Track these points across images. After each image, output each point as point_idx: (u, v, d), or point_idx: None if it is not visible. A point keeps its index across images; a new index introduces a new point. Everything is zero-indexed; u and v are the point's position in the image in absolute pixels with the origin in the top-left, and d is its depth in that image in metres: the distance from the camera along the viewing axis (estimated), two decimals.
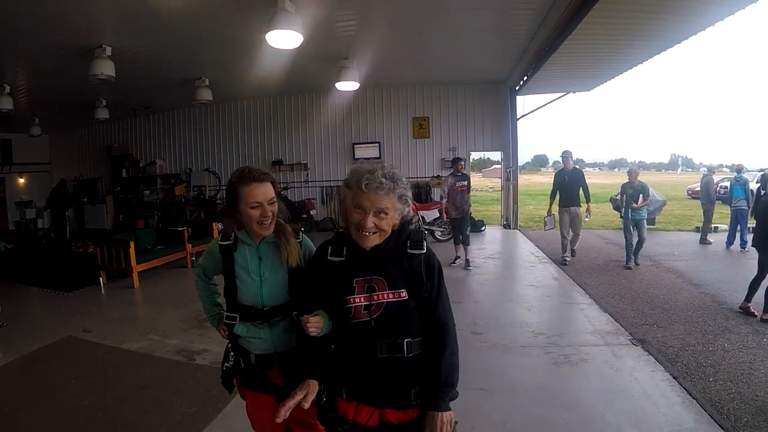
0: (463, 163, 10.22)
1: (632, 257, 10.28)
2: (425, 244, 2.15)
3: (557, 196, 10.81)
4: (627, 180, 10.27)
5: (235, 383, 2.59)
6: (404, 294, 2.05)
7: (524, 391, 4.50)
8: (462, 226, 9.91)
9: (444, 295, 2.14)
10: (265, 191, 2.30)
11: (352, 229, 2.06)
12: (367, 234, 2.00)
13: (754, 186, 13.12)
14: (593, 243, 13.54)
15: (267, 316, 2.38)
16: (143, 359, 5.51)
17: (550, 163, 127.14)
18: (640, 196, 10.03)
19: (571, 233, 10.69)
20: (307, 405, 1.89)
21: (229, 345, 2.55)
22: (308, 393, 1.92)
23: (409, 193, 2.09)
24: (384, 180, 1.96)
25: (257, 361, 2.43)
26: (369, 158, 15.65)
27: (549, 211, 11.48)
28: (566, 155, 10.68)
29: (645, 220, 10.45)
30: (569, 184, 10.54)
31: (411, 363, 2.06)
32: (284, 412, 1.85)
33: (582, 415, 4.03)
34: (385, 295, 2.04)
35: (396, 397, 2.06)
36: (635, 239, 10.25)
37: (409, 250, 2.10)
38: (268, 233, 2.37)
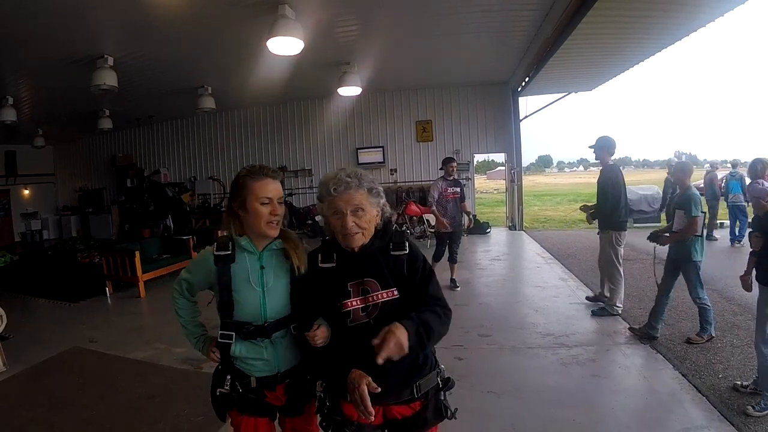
0: (455, 164, 8.50)
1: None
2: (407, 244, 2.20)
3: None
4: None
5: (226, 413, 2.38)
6: (396, 292, 2.10)
7: (533, 392, 4.48)
8: (452, 241, 8.48)
9: (434, 279, 2.19)
10: (276, 188, 2.23)
11: (338, 236, 2.12)
12: (351, 234, 2.06)
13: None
14: None
15: (268, 331, 2.22)
16: (150, 368, 5.52)
17: (554, 164, 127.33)
18: None
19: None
20: (378, 389, 1.90)
21: (219, 367, 2.35)
22: (366, 379, 1.92)
23: (379, 187, 2.18)
24: (348, 179, 2.06)
25: (258, 385, 2.27)
26: (373, 162, 15.96)
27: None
28: (596, 145, 6.85)
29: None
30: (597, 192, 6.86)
31: (413, 358, 2.08)
32: (371, 408, 1.89)
33: (592, 415, 4.00)
34: (380, 295, 2.09)
35: (400, 393, 2.11)
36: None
37: (392, 252, 2.16)
38: (275, 234, 2.25)
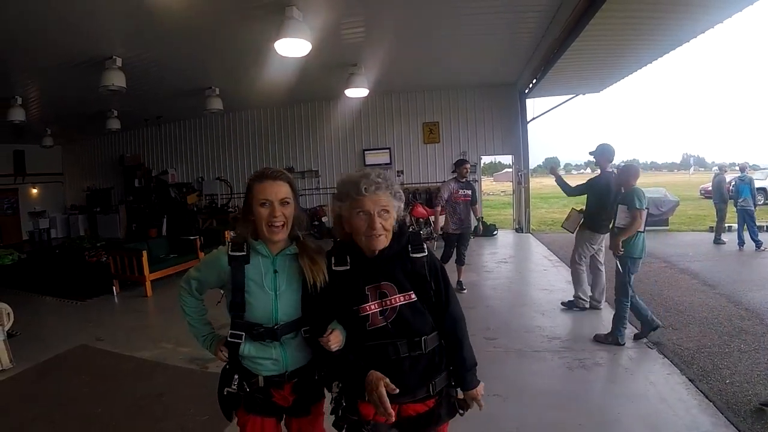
0: (468, 166, 8.39)
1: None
2: (425, 246, 2.21)
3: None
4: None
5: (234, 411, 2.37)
6: (413, 296, 2.11)
7: (538, 396, 4.46)
8: (460, 243, 8.34)
9: (452, 293, 2.26)
10: (276, 190, 2.18)
11: (358, 237, 2.10)
12: (377, 236, 2.05)
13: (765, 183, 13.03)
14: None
15: (277, 334, 2.21)
16: (156, 368, 5.53)
17: (562, 166, 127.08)
18: None
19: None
20: (396, 390, 1.94)
21: (227, 366, 2.33)
22: (384, 381, 1.96)
23: (401, 190, 2.18)
24: (379, 180, 2.06)
25: (266, 384, 2.26)
26: (380, 164, 15.78)
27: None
28: (596, 152, 6.98)
29: None
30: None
31: (429, 358, 2.14)
32: (390, 409, 1.92)
33: (597, 419, 3.98)
34: (397, 298, 2.10)
35: (416, 392, 2.13)
36: None
37: (411, 254, 2.16)
38: (278, 238, 2.22)
